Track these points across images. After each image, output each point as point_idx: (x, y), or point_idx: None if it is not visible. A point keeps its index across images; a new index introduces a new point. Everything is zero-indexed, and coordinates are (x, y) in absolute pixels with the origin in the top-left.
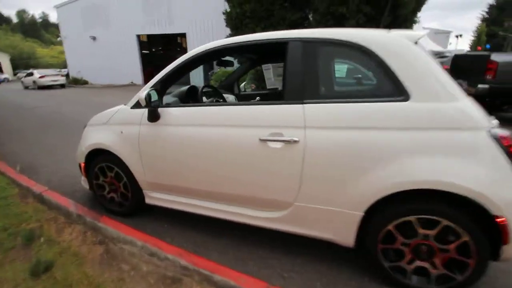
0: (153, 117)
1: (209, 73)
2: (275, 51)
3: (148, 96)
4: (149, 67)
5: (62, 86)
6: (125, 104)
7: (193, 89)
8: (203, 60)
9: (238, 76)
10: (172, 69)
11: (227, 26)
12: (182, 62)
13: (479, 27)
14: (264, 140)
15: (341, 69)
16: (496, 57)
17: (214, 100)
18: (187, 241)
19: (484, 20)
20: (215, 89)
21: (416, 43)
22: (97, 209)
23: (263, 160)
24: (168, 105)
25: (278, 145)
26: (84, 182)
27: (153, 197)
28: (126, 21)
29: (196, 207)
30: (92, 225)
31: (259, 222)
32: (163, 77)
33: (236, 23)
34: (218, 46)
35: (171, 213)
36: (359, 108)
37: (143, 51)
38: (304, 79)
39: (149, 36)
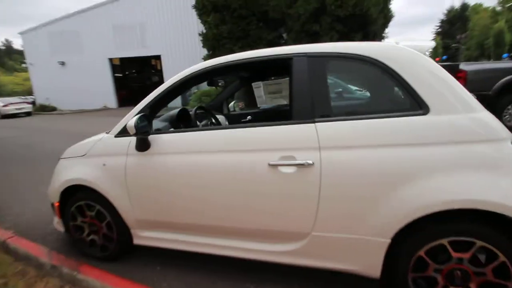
0: (143, 145)
1: (187, 93)
2: (269, 68)
3: (137, 123)
4: (122, 90)
5: (28, 114)
6: (107, 132)
7: (184, 112)
8: (196, 81)
9: (227, 95)
10: (163, 91)
11: (203, 47)
12: (174, 83)
13: (435, 40)
14: (274, 165)
15: (349, 84)
16: (465, 66)
17: (209, 123)
18: (187, 286)
19: (437, 33)
20: (208, 111)
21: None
22: (75, 256)
23: (275, 187)
24: (159, 131)
25: (291, 169)
26: (58, 225)
27: (144, 237)
28: (97, 45)
29: (197, 245)
30: (70, 277)
31: (272, 257)
32: (152, 100)
33: (213, 44)
34: (216, 64)
35: (163, 252)
36: (377, 124)
37: (116, 74)
38: (313, 97)
39: (122, 59)
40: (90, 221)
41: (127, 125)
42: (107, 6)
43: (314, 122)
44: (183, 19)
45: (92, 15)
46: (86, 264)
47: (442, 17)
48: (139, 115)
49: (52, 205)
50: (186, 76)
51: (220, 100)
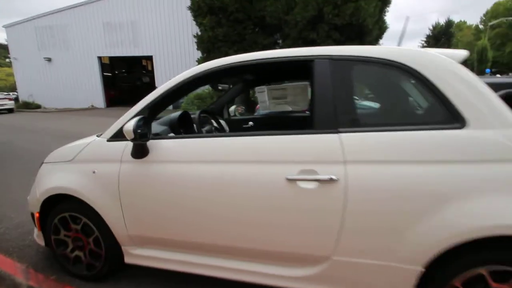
0: (141, 152)
1: None
2: (284, 71)
3: (136, 126)
4: (111, 90)
5: (10, 111)
6: (98, 135)
7: (186, 115)
8: (202, 82)
9: (228, 99)
10: (165, 91)
11: (198, 49)
12: (178, 83)
13: None
14: (292, 180)
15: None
16: None
17: (213, 129)
18: None
19: (424, 47)
20: (213, 115)
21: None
22: (57, 274)
23: (292, 203)
24: (158, 136)
25: (311, 185)
26: (38, 237)
27: (136, 255)
28: (86, 43)
29: (199, 267)
30: None
31: (284, 282)
32: (152, 101)
33: (208, 46)
34: (226, 64)
35: (158, 272)
36: (410, 137)
37: (105, 73)
38: (337, 104)
39: (111, 58)
40: (75, 235)
41: (124, 128)
42: (98, 3)
43: (338, 132)
44: (177, 20)
45: (82, 11)
46: (69, 285)
47: (428, 32)
48: (137, 117)
49: (32, 215)
50: (192, 76)
51: (220, 104)
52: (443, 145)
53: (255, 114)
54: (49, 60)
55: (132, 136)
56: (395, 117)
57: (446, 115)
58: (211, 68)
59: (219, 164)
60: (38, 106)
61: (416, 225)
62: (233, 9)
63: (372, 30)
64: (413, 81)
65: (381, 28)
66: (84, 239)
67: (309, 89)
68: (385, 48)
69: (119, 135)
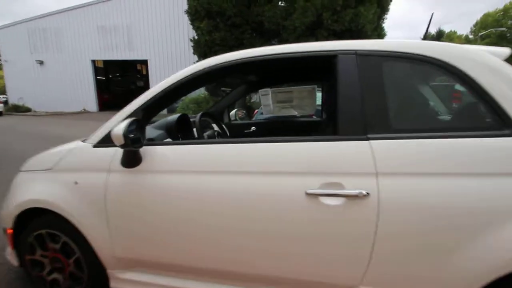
0: (133, 160)
1: None
2: (299, 69)
3: (127, 130)
4: (104, 94)
5: None
6: (83, 140)
7: (185, 118)
8: (205, 80)
9: (228, 103)
10: (161, 91)
11: (194, 53)
12: (177, 82)
13: None
14: (313, 195)
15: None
16: (460, 87)
17: (216, 134)
18: None
19: None
20: (214, 118)
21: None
22: None
23: (312, 223)
24: (153, 141)
25: (337, 200)
26: (10, 256)
27: (124, 280)
28: (80, 46)
29: None
30: None
31: None
32: (147, 102)
33: (204, 51)
34: (236, 60)
35: None
36: (454, 145)
37: (98, 77)
38: (365, 106)
39: (106, 61)
40: (53, 255)
41: (113, 132)
42: (92, 6)
43: (367, 139)
44: (173, 24)
45: (76, 14)
46: None
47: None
48: (129, 120)
49: (4, 231)
50: (192, 74)
51: (221, 107)
52: (495, 155)
53: (254, 119)
54: (41, 63)
55: (122, 141)
56: (436, 121)
57: (493, 120)
58: (214, 65)
59: (227, 176)
60: (28, 110)
61: (462, 249)
62: (231, 13)
63: (371, 37)
64: (452, 80)
65: (380, 35)
66: (64, 260)
67: (316, 93)
68: (423, 43)
69: (107, 140)
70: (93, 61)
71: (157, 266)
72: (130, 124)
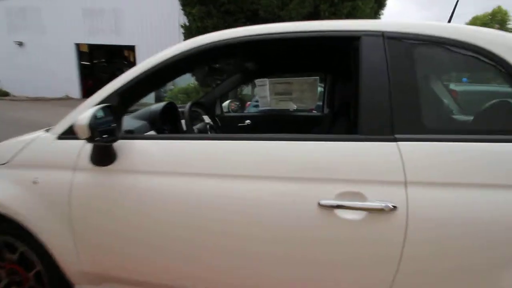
0: (105, 156)
1: (162, 90)
2: (312, 53)
3: (94, 119)
4: (89, 80)
5: None
6: (47, 130)
7: (172, 108)
8: (198, 61)
9: (221, 93)
10: (143, 72)
11: (185, 40)
12: (164, 61)
13: None
14: (328, 207)
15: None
16: (455, 87)
17: (208, 127)
18: None
19: None
20: (206, 109)
21: None
22: None
23: (325, 241)
24: (132, 135)
25: (357, 215)
26: None
27: None
28: (63, 28)
29: None
30: None
31: None
32: (124, 85)
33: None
34: (238, 37)
35: None
36: (504, 149)
37: (82, 62)
38: (393, 100)
39: (91, 46)
40: (10, 266)
41: (76, 122)
42: None
43: (395, 140)
44: (163, 9)
45: None
46: None
47: None
48: (99, 106)
49: None
50: (183, 52)
51: (212, 98)
52: None
53: (245, 112)
54: (20, 44)
55: (88, 134)
56: (480, 121)
57: None
58: (210, 43)
59: (223, 180)
60: (5, 94)
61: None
62: (224, 0)
63: None
64: (496, 71)
65: None
66: (23, 273)
67: (318, 86)
68: (465, 28)
69: (72, 132)
70: (77, 45)
71: (132, 283)
72: (98, 111)
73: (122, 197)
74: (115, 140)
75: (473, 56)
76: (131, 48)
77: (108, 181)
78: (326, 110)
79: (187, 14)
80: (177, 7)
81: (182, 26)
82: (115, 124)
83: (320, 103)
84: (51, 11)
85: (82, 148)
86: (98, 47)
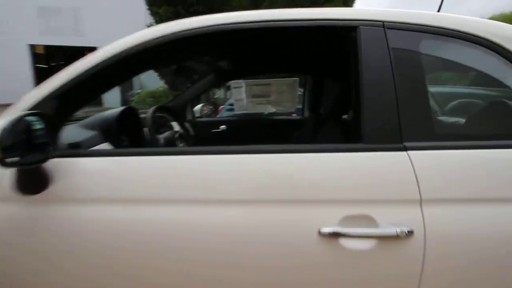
0: (33, 181)
1: (129, 94)
2: (299, 47)
3: (8, 134)
4: None
5: None
6: None
7: (131, 113)
8: (163, 57)
9: (192, 96)
10: (91, 69)
11: None
12: (118, 54)
13: None
14: (330, 235)
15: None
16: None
17: (177, 136)
18: None
19: None
20: (174, 114)
21: None
22: None
23: (328, 278)
24: (76, 149)
25: (365, 243)
26: None
27: None
28: (14, 28)
29: None
30: None
31: None
32: (62, 87)
33: None
34: (217, 25)
35: None
36: None
37: (38, 65)
38: (400, 102)
39: (48, 47)
40: None
41: None
42: None
43: (405, 149)
44: (128, 9)
45: None
46: None
47: None
48: (17, 115)
49: None
50: (146, 41)
51: (182, 101)
52: None
53: (218, 116)
54: None
55: None
56: (505, 126)
57: None
58: (179, 32)
59: (204, 207)
60: None
61: None
62: (193, 0)
63: None
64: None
65: None
66: None
67: (298, 88)
68: (474, 20)
69: None
70: (31, 46)
71: None
72: (18, 124)
73: (56, 236)
74: (46, 160)
75: (487, 54)
76: (93, 50)
77: (38, 215)
78: (306, 113)
79: (153, 14)
80: (143, 7)
81: (148, 27)
82: (46, 138)
83: (300, 106)
84: (1, 9)
85: (3, 173)
86: (57, 49)
